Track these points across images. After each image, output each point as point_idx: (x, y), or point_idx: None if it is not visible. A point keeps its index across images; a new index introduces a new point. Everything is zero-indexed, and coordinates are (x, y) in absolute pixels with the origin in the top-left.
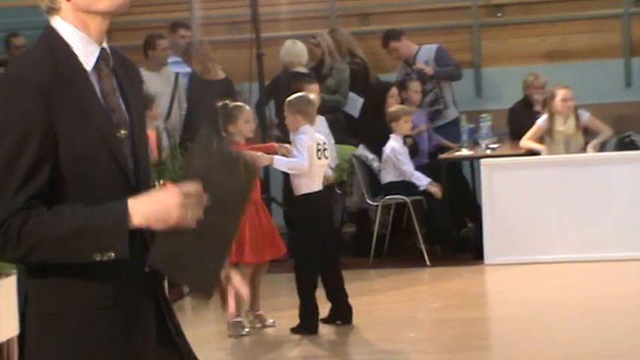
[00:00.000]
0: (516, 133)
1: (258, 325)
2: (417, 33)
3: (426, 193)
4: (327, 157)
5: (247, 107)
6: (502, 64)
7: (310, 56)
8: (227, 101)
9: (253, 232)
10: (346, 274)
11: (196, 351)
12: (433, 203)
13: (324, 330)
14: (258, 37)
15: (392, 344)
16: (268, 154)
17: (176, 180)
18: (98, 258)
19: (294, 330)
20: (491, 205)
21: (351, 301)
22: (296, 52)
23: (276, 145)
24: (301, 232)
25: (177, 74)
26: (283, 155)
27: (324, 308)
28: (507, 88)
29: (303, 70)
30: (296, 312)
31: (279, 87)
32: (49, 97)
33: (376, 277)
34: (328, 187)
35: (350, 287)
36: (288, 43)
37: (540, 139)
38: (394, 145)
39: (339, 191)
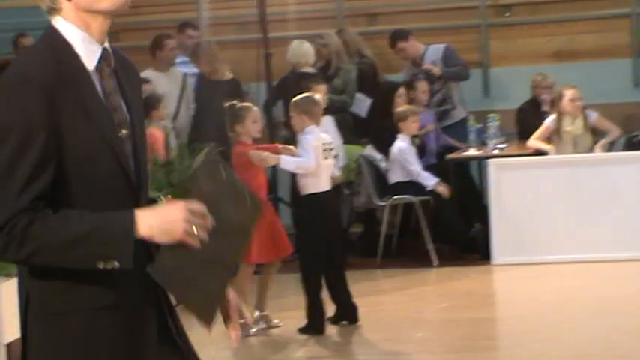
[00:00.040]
0: (524, 133)
1: (264, 326)
2: (425, 33)
3: (433, 193)
4: (333, 157)
5: (255, 108)
6: (510, 64)
7: (318, 56)
8: (235, 101)
9: (258, 232)
10: (353, 274)
11: (202, 351)
12: (441, 203)
13: (331, 330)
14: (265, 37)
15: (399, 344)
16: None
17: (184, 182)
18: (101, 266)
19: (301, 330)
20: (499, 205)
21: (358, 301)
22: (302, 52)
23: (280, 146)
24: (307, 232)
25: (185, 74)
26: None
27: (330, 308)
28: (515, 88)
29: (310, 70)
30: (303, 312)
31: (286, 87)
32: (52, 97)
33: (383, 277)
34: (336, 188)
35: (357, 287)
36: (295, 43)
37: (548, 139)
38: (402, 145)
39: (346, 191)
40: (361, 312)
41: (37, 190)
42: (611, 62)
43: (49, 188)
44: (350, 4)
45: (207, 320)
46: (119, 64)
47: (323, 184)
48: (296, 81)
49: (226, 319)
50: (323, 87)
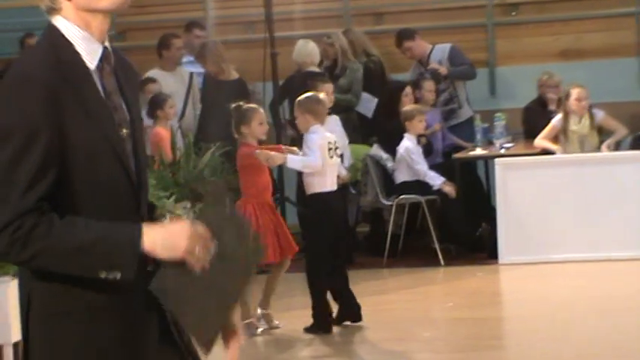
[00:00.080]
0: (531, 133)
1: (264, 325)
2: (431, 32)
3: (440, 192)
4: (338, 156)
5: (261, 109)
6: (516, 63)
7: (324, 56)
8: (241, 102)
9: (262, 232)
10: (360, 274)
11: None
12: (447, 203)
13: (337, 330)
14: (272, 36)
15: (405, 343)
16: None
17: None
18: (103, 275)
19: (307, 329)
20: (506, 204)
21: (365, 300)
22: (308, 51)
23: (283, 147)
24: (313, 232)
25: (191, 74)
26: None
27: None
28: (522, 87)
29: (315, 69)
30: (309, 311)
31: (293, 86)
32: (54, 96)
33: (390, 276)
34: (342, 187)
35: (364, 286)
36: (300, 43)
37: (555, 139)
38: (408, 144)
39: (353, 191)
40: (368, 311)
41: (41, 190)
42: (617, 61)
43: (52, 188)
44: (356, 3)
45: (204, 344)
46: (118, 63)
47: (328, 183)
48: (302, 80)
49: (226, 344)
50: (329, 86)
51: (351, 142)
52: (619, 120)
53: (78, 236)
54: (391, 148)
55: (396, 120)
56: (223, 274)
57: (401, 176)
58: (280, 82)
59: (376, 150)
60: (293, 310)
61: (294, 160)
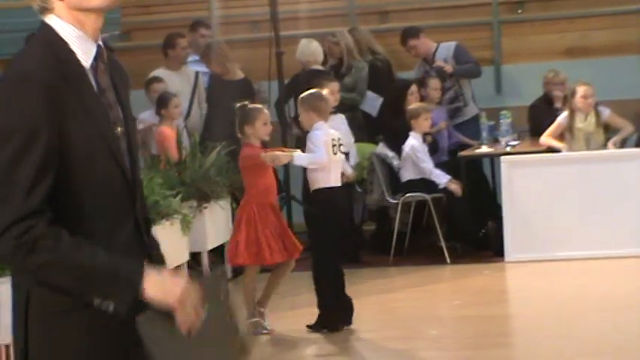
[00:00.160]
0: (536, 130)
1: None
2: (436, 30)
3: (446, 190)
4: (342, 153)
5: (265, 109)
6: (522, 61)
7: (330, 54)
8: (246, 102)
9: (266, 232)
10: (366, 272)
11: None
12: (453, 201)
13: (344, 327)
14: (277, 35)
15: (412, 341)
16: None
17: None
18: (97, 303)
19: (312, 328)
20: (512, 202)
21: (371, 298)
22: (311, 50)
23: (285, 149)
24: (319, 229)
25: (197, 73)
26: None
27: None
28: (527, 84)
29: (319, 68)
30: (315, 309)
31: (298, 85)
32: (53, 95)
33: (396, 274)
34: (348, 186)
35: (370, 285)
36: (304, 42)
37: (561, 136)
38: (414, 142)
39: (359, 189)
40: (374, 310)
41: (43, 191)
42: (623, 59)
43: (52, 188)
44: (361, 2)
45: None
46: (109, 63)
47: (332, 179)
48: (307, 79)
49: None
50: (335, 85)
51: (356, 140)
52: (625, 117)
53: (82, 260)
54: (397, 146)
55: (402, 118)
56: (205, 351)
57: (407, 174)
58: (286, 81)
59: (382, 148)
60: (298, 309)
61: (300, 157)
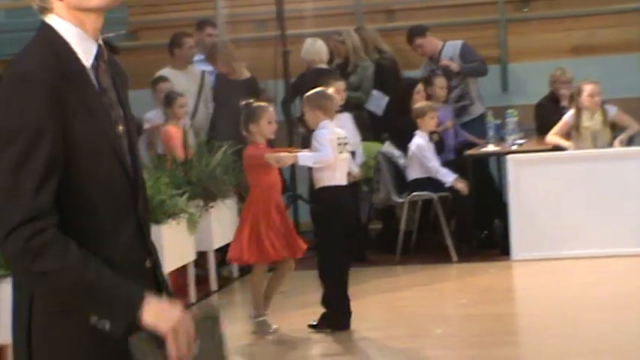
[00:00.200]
0: (543, 129)
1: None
2: (443, 29)
3: (452, 189)
4: (348, 152)
5: (271, 108)
6: (528, 60)
7: (336, 53)
8: (251, 100)
9: (270, 231)
10: (372, 271)
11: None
12: (459, 199)
13: (351, 327)
14: (283, 34)
15: (419, 340)
16: None
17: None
18: (93, 321)
19: (316, 327)
20: (518, 200)
21: (378, 297)
22: (316, 49)
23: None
24: (324, 227)
25: (203, 72)
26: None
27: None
28: (534, 83)
29: (324, 66)
30: (321, 309)
31: (304, 84)
32: (56, 94)
33: (403, 273)
34: (354, 184)
35: (376, 284)
36: (309, 41)
37: (567, 135)
38: (420, 141)
39: (365, 188)
40: (381, 308)
41: (51, 190)
42: (629, 57)
43: (58, 189)
44: (368, 0)
45: None
46: (109, 62)
47: (338, 178)
48: (314, 78)
49: None
50: (341, 84)
51: (362, 139)
52: (631, 115)
53: (87, 275)
54: (403, 145)
55: (408, 117)
56: None
57: (413, 173)
58: (292, 80)
59: (388, 147)
60: (306, 308)
61: (305, 158)
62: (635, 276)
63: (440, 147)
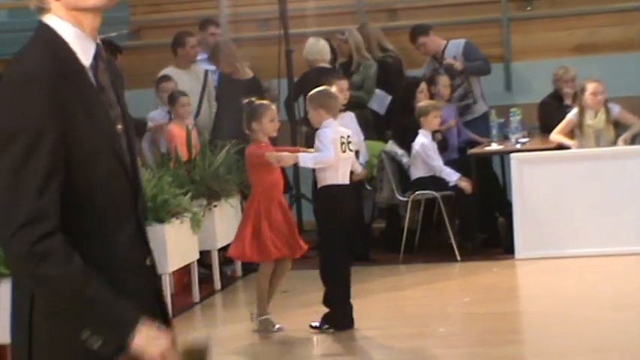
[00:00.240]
0: (546, 127)
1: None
2: (446, 28)
3: (456, 188)
4: (351, 150)
5: (273, 106)
6: (531, 58)
7: (339, 52)
8: (253, 98)
9: (271, 230)
10: (376, 270)
11: (222, 347)
12: (463, 198)
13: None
14: (286, 33)
15: (422, 339)
16: None
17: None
18: (85, 336)
19: (318, 326)
20: (522, 199)
21: (381, 296)
22: (319, 49)
23: (300, 149)
24: (325, 225)
25: (206, 71)
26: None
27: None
28: (537, 81)
29: (327, 65)
30: (324, 308)
31: (307, 83)
32: (57, 94)
33: (406, 272)
34: (358, 183)
35: (380, 283)
36: (311, 40)
37: (571, 133)
38: (423, 140)
39: (368, 187)
40: (384, 307)
41: (55, 190)
42: (632, 55)
43: (60, 189)
44: None
45: None
46: (106, 61)
47: (341, 177)
48: (317, 77)
49: None
50: (344, 82)
51: (366, 138)
52: (635, 114)
53: (86, 289)
54: (406, 144)
55: (411, 116)
56: None
57: (416, 172)
58: (295, 79)
59: (391, 146)
60: (308, 307)
61: (305, 159)
62: (639, 275)
63: (443, 146)
